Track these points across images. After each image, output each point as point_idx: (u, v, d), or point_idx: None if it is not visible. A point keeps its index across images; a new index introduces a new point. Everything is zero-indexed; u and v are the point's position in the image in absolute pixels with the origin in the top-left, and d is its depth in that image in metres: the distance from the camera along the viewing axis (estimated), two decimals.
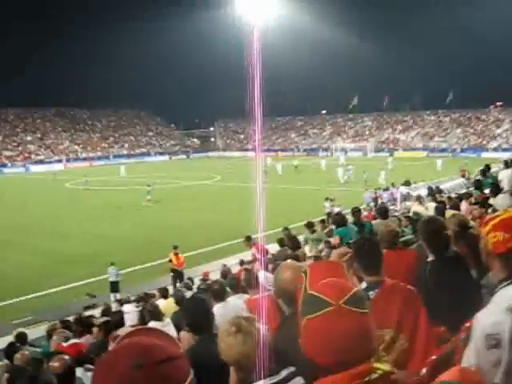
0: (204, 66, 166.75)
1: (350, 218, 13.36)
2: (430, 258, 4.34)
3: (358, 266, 3.56)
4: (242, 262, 15.26)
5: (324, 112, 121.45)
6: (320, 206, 29.25)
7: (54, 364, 3.88)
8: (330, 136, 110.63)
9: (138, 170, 70.51)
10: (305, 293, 2.12)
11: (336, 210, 24.88)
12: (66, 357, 4.14)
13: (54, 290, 19.39)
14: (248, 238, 15.49)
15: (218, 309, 4.78)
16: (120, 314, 8.06)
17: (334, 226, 13.33)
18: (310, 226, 14.91)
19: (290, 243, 13.98)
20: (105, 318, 7.51)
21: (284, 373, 2.37)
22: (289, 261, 4.06)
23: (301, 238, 15.70)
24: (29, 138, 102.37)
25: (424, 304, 3.27)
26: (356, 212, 13.16)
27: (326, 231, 15.09)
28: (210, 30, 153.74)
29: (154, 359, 1.04)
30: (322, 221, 16.79)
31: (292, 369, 2.40)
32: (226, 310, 4.88)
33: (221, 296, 5.63)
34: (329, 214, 22.70)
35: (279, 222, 19.05)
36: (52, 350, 7.16)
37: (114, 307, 12.59)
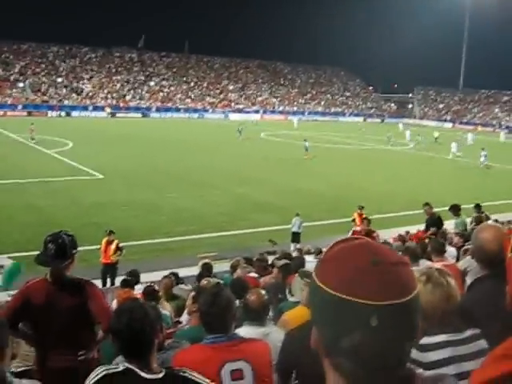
0: (407, 31, 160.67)
1: None
2: None
3: None
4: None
5: None
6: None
7: (251, 297, 4.06)
8: None
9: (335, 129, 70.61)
10: None
11: None
12: (263, 292, 4.31)
13: (239, 231, 20.42)
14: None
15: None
16: (300, 259, 8.25)
17: None
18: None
19: None
20: (285, 261, 7.74)
21: (468, 332, 2.30)
22: (490, 221, 3.85)
23: None
24: (230, 87, 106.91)
25: None
26: None
27: None
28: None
29: (388, 259, 1.10)
30: None
31: (477, 331, 2.31)
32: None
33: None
34: None
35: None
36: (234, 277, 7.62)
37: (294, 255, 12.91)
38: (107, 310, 4.37)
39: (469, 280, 3.60)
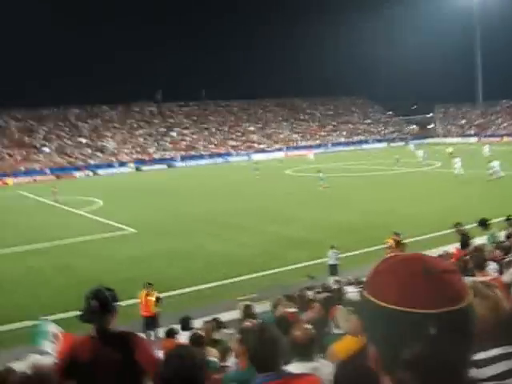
0: (420, 51, 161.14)
1: None
2: None
3: None
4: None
5: None
6: None
7: (296, 333, 4.01)
8: None
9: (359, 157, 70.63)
10: None
11: None
12: (310, 326, 4.27)
13: (276, 270, 20.29)
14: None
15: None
16: (340, 291, 8.15)
17: None
18: None
19: None
20: (326, 294, 7.64)
21: None
22: None
23: None
24: (251, 128, 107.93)
25: None
26: None
27: None
28: (427, 15, 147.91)
29: (439, 267, 1.12)
30: None
31: None
32: None
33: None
34: None
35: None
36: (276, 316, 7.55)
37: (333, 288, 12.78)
38: (155, 358, 4.34)
39: None
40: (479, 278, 4.51)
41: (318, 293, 9.07)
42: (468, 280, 2.50)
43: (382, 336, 1.10)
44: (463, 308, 1.07)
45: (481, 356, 2.24)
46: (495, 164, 40.76)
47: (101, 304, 4.21)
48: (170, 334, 8.82)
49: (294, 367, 3.63)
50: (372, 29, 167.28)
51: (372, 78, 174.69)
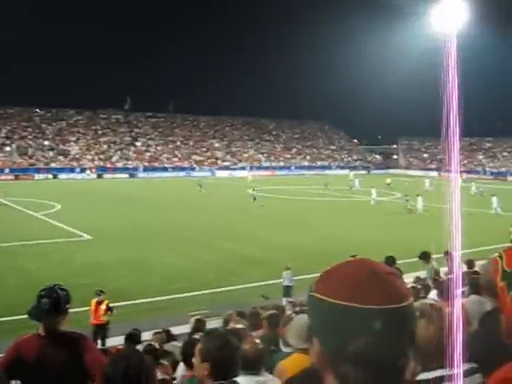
0: (390, 82, 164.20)
1: None
2: None
3: None
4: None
5: None
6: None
7: (245, 347, 4.04)
8: None
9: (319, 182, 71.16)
10: (503, 272, 2.19)
11: None
12: (258, 341, 4.30)
13: (230, 287, 20.25)
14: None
15: None
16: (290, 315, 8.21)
17: None
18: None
19: None
20: (272, 311, 7.70)
21: (465, 366, 2.30)
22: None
23: None
24: (217, 145, 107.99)
25: None
26: None
27: None
28: (396, 46, 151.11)
29: (384, 270, 1.21)
30: None
31: (474, 365, 2.32)
32: None
33: None
34: None
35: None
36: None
37: (287, 310, 12.81)
38: (103, 361, 4.29)
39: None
40: (427, 301, 4.62)
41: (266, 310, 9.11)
42: (416, 303, 2.58)
43: (328, 330, 1.17)
44: (405, 306, 1.16)
45: (423, 376, 2.31)
46: (419, 200, 42.41)
47: (52, 303, 4.16)
48: (130, 339, 8.78)
49: (241, 380, 3.64)
50: (345, 57, 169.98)
51: (339, 106, 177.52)
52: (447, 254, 16.36)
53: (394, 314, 1.14)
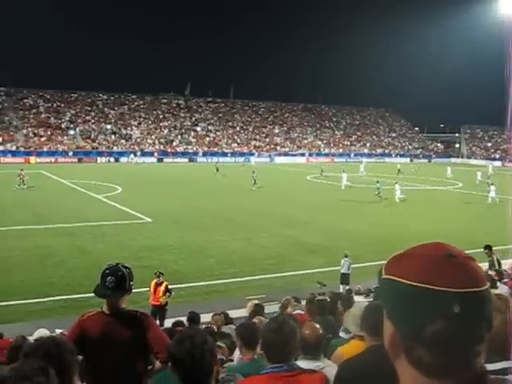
0: (455, 70, 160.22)
1: None
2: None
3: None
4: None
5: None
6: None
7: (306, 331, 4.04)
8: None
9: (379, 170, 70.31)
10: None
11: None
12: (317, 326, 4.30)
13: (288, 273, 20.28)
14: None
15: None
16: (348, 296, 8.17)
17: None
18: None
19: None
20: (321, 297, 7.69)
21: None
22: None
23: None
24: (276, 131, 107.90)
25: None
26: None
27: None
28: (462, 34, 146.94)
29: (461, 254, 1.18)
30: None
31: None
32: None
33: None
34: None
35: None
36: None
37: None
38: (165, 339, 4.36)
39: None
40: (495, 291, 4.51)
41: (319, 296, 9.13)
42: None
43: (404, 314, 1.14)
44: (484, 291, 1.13)
45: (489, 368, 2.25)
46: (397, 187, 42.06)
47: (117, 281, 4.26)
48: (192, 319, 8.94)
49: (300, 364, 3.65)
50: (407, 50, 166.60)
51: (402, 93, 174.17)
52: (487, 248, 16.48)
53: (473, 297, 1.11)
